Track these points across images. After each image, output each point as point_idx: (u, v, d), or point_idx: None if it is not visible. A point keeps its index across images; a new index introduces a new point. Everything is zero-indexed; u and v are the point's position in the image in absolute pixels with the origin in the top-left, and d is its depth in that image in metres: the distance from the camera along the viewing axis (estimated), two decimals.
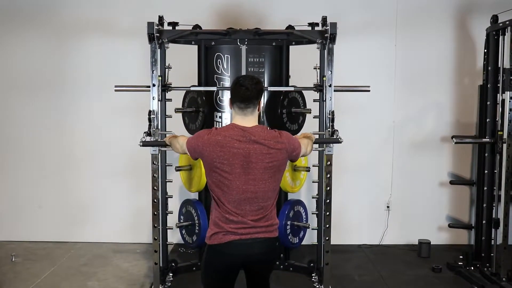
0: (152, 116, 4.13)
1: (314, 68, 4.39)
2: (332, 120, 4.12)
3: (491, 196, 4.81)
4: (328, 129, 4.13)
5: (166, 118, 4.46)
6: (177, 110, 4.69)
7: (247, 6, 5.55)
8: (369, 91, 4.36)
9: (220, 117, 4.66)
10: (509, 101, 4.45)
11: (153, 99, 4.20)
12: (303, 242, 4.94)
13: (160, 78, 4.23)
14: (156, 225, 4.28)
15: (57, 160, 5.74)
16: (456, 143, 4.97)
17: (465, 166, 5.70)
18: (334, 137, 4.02)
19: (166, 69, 4.42)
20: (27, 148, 5.73)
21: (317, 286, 4.44)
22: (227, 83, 4.55)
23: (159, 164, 4.24)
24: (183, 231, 4.78)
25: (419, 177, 5.72)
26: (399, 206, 5.74)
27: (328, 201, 4.24)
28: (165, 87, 4.36)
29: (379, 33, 5.59)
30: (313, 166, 4.56)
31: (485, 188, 4.86)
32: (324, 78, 4.22)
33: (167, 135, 4.28)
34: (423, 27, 5.60)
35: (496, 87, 4.68)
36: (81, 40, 5.61)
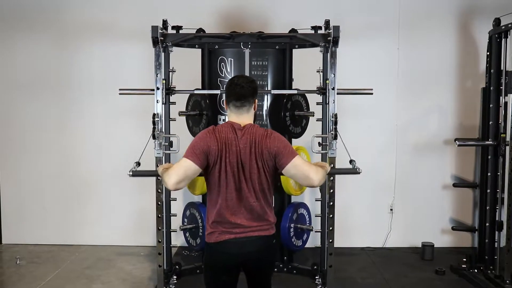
0: (156, 119, 4.15)
1: (317, 71, 4.40)
2: (335, 123, 4.13)
3: (495, 198, 4.81)
4: (331, 132, 4.14)
5: (170, 121, 4.47)
6: (181, 113, 4.71)
7: (251, 9, 5.57)
8: (372, 93, 4.37)
9: (224, 120, 4.68)
10: None
11: (157, 102, 4.22)
12: (307, 245, 4.96)
13: (164, 81, 4.25)
14: (160, 228, 4.29)
15: (60, 163, 5.76)
16: (459, 145, 4.97)
17: (468, 168, 5.71)
18: (352, 167, 3.90)
19: (170, 73, 4.44)
20: (30, 150, 5.75)
21: None
22: None
23: None
24: (187, 234, 4.80)
25: (422, 180, 5.72)
26: (403, 209, 5.74)
27: (331, 203, 4.25)
28: (169, 90, 4.38)
29: (382, 36, 5.61)
30: None
31: (488, 191, 4.85)
32: (327, 81, 4.24)
33: (171, 138, 4.32)
34: (426, 30, 5.61)
35: (499, 89, 4.68)
36: (85, 43, 5.64)
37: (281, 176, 4.38)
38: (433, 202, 5.74)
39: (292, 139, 4.79)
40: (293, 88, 4.73)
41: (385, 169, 5.72)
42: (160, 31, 4.20)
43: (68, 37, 5.64)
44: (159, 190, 4.26)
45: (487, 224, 4.88)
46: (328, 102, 4.22)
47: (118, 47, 5.62)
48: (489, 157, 4.85)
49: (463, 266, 4.90)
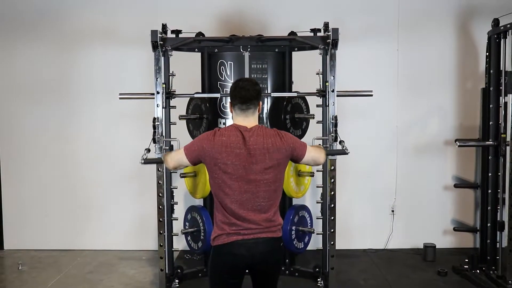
0: (156, 123, 4.17)
1: (316, 74, 4.41)
2: (336, 125, 4.14)
3: (496, 198, 4.81)
4: (332, 134, 4.15)
5: (171, 125, 4.49)
6: (181, 117, 4.72)
7: (250, 13, 5.58)
8: (371, 95, 4.38)
9: (224, 123, 4.69)
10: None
11: (158, 106, 4.23)
12: (308, 247, 4.94)
13: (164, 85, 4.27)
14: (161, 232, 4.30)
15: (62, 168, 5.76)
16: (459, 146, 4.97)
17: (469, 169, 5.71)
18: (341, 148, 4.04)
19: (170, 77, 4.46)
20: (32, 155, 5.76)
21: None
22: None
23: (164, 170, 4.27)
24: (189, 238, 4.80)
25: (423, 181, 5.72)
26: (404, 210, 5.74)
27: (332, 205, 4.26)
28: (169, 94, 4.39)
29: (381, 38, 5.61)
30: (317, 171, 4.57)
31: (489, 191, 4.85)
32: (327, 83, 4.25)
33: (171, 142, 4.34)
34: (425, 31, 5.62)
35: (499, 90, 4.68)
36: (85, 48, 5.66)
37: None
38: (434, 203, 5.74)
39: None
40: (293, 90, 4.75)
41: (386, 171, 5.72)
42: (160, 35, 4.22)
43: (69, 43, 5.66)
44: (160, 194, 4.27)
45: (489, 225, 4.87)
46: (328, 104, 4.24)
47: (119, 52, 5.63)
48: (489, 157, 4.85)
49: (465, 266, 4.89)
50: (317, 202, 4.66)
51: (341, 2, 5.59)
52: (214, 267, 2.85)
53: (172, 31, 4.49)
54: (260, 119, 4.72)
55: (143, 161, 3.87)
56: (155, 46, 4.20)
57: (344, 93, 4.37)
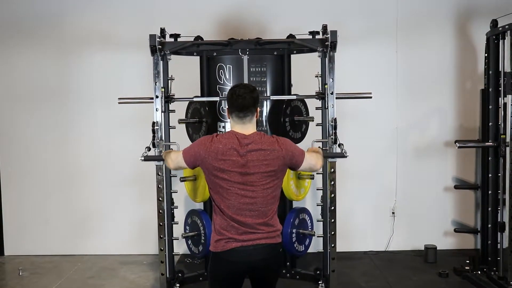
0: (155, 127, 4.16)
1: (315, 76, 4.41)
2: (335, 128, 4.14)
3: (496, 199, 4.80)
4: (331, 136, 4.15)
5: (170, 129, 4.49)
6: (180, 121, 4.73)
7: (248, 16, 5.59)
8: (371, 97, 4.38)
9: (224, 127, 4.69)
10: (511, 105, 4.45)
11: (157, 110, 4.23)
12: (309, 250, 4.94)
13: (163, 89, 4.27)
14: (162, 236, 4.30)
15: (62, 173, 5.76)
16: (459, 147, 4.98)
17: (469, 170, 5.70)
18: (340, 151, 4.04)
19: (169, 81, 4.46)
20: (31, 161, 5.77)
21: None
22: None
23: (164, 175, 4.27)
24: (189, 242, 4.79)
25: (424, 183, 5.72)
26: (404, 212, 5.74)
27: (332, 208, 4.25)
28: (168, 99, 4.40)
29: (380, 40, 5.62)
30: (317, 173, 4.57)
31: (490, 192, 4.85)
32: (326, 86, 4.25)
33: (171, 146, 4.34)
34: (424, 33, 5.62)
35: (498, 91, 4.68)
36: (83, 53, 5.66)
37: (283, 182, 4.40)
38: (435, 204, 5.73)
39: None
40: (292, 93, 4.74)
41: (386, 173, 5.72)
42: (158, 39, 4.22)
43: (68, 48, 5.66)
44: (160, 199, 4.27)
45: (490, 226, 4.87)
46: (327, 106, 4.23)
47: (118, 56, 5.64)
48: (489, 158, 4.84)
49: (466, 268, 4.89)
50: (317, 205, 4.66)
51: (340, 5, 5.60)
52: (214, 273, 2.85)
53: (171, 35, 4.49)
54: (260, 122, 4.72)
55: (143, 158, 3.93)
56: (153, 50, 4.20)
57: (344, 96, 4.37)
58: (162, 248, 4.31)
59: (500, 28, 4.58)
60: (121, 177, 5.71)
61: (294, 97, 4.57)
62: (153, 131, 4.16)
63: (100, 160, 5.74)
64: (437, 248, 5.39)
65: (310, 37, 4.48)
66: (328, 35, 4.17)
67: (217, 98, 4.60)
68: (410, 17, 5.61)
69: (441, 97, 5.67)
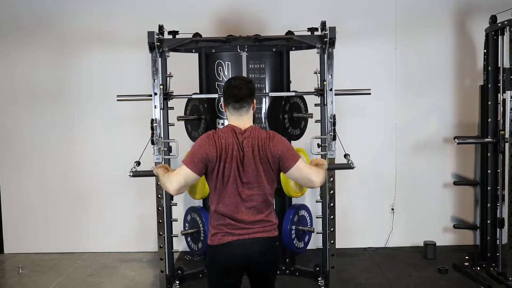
0: (154, 124, 4.15)
1: (314, 73, 4.40)
2: (334, 124, 4.13)
3: (495, 195, 4.81)
4: (330, 133, 4.14)
5: (169, 126, 4.48)
6: (179, 118, 4.72)
7: (247, 13, 5.58)
8: (370, 94, 4.37)
9: (223, 124, 4.69)
10: (510, 101, 4.45)
11: (155, 107, 4.22)
12: (308, 247, 4.95)
13: (161, 86, 4.26)
14: (161, 233, 4.30)
15: (61, 171, 5.76)
16: (458, 143, 4.97)
17: (468, 166, 5.70)
18: (346, 161, 3.97)
19: (168, 78, 4.45)
20: (31, 159, 5.76)
21: None
22: None
23: None
24: (189, 239, 4.80)
25: (423, 179, 5.72)
26: (404, 208, 5.74)
27: (332, 204, 4.25)
28: (166, 96, 4.39)
29: (379, 36, 5.61)
30: None
31: (489, 188, 4.85)
32: (325, 82, 4.24)
33: (170, 143, 4.33)
34: (423, 29, 5.62)
35: (497, 87, 4.69)
36: (82, 51, 5.65)
37: (281, 178, 4.41)
38: (434, 200, 5.73)
39: (291, 141, 4.79)
40: (291, 90, 4.74)
41: (385, 169, 5.72)
42: (157, 36, 4.21)
43: (66, 46, 5.65)
44: (159, 196, 4.26)
45: (489, 222, 4.88)
46: (326, 103, 4.23)
47: (116, 54, 5.63)
48: (488, 154, 4.85)
49: (465, 264, 4.90)
50: (317, 201, 4.66)
51: (339, 1, 5.59)
52: (211, 267, 2.86)
53: (169, 32, 4.48)
54: (258, 119, 4.72)
55: (131, 174, 3.82)
56: (152, 47, 4.19)
57: (342, 92, 4.36)
58: (161, 245, 4.31)
59: (499, 24, 4.59)
60: (121, 174, 5.67)
61: (293, 93, 4.57)
62: (152, 128, 4.15)
63: (99, 157, 5.73)
64: (437, 244, 5.39)
65: (309, 33, 4.47)
66: (327, 32, 4.16)
67: (216, 95, 4.60)
68: (409, 14, 5.60)
69: (440, 93, 5.67)
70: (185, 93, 4.58)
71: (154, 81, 4.23)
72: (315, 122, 4.54)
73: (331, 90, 4.21)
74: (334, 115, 4.15)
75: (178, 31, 4.49)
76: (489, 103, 4.78)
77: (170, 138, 4.42)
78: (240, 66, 4.56)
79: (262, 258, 2.81)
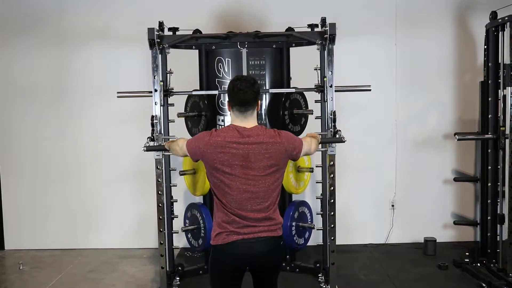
0: (154, 121, 4.15)
1: (314, 69, 4.40)
2: (334, 120, 4.13)
3: (495, 192, 4.81)
4: (330, 129, 4.14)
5: (169, 123, 4.48)
6: (179, 115, 4.72)
7: (247, 9, 5.57)
8: (370, 90, 4.37)
9: (223, 120, 4.68)
10: (510, 97, 4.45)
11: (155, 104, 4.22)
12: (309, 243, 4.96)
13: (161, 83, 4.25)
14: (161, 230, 4.29)
15: (61, 168, 5.76)
16: (458, 140, 4.97)
17: (468, 162, 5.70)
18: (337, 136, 4.03)
19: (168, 74, 4.45)
20: (31, 156, 5.76)
21: (324, 287, 4.43)
22: None
23: (163, 168, 4.26)
24: (189, 235, 4.80)
25: (423, 175, 5.72)
26: (404, 205, 5.74)
27: (332, 201, 4.25)
28: (167, 92, 4.38)
29: (379, 33, 5.60)
30: (317, 166, 4.57)
31: (489, 184, 4.85)
32: (325, 79, 4.24)
33: (170, 139, 4.33)
34: (423, 25, 5.61)
35: (497, 83, 4.68)
36: (82, 48, 5.65)
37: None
38: (434, 197, 5.73)
39: None
40: (291, 86, 4.74)
41: (385, 165, 5.72)
42: (157, 33, 4.20)
43: (67, 42, 5.65)
44: (159, 192, 4.26)
45: (489, 218, 4.87)
46: (327, 99, 4.22)
47: (116, 50, 5.63)
48: (489, 150, 4.85)
49: (465, 260, 4.89)
50: (317, 198, 4.66)
51: None
52: (215, 266, 2.85)
53: (169, 29, 4.47)
54: (259, 115, 4.70)
55: (145, 149, 3.94)
56: (152, 44, 4.19)
57: (343, 88, 4.36)
58: (161, 242, 4.30)
59: (500, 20, 4.57)
60: (121, 171, 5.71)
61: (293, 90, 4.56)
62: (152, 125, 4.14)
63: (100, 154, 5.73)
64: (437, 241, 5.39)
65: (309, 30, 4.46)
66: (327, 28, 4.15)
67: (216, 92, 4.59)
68: (409, 9, 5.59)
69: (441, 89, 5.66)
70: (185, 89, 4.58)
71: (154, 78, 4.22)
72: (315, 118, 4.54)
73: (331, 86, 4.20)
74: (334, 111, 4.15)
75: (178, 28, 4.48)
76: (489, 99, 4.77)
77: (170, 135, 4.42)
78: (240, 62, 4.55)
79: (266, 258, 2.81)
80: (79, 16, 5.62)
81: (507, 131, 4.50)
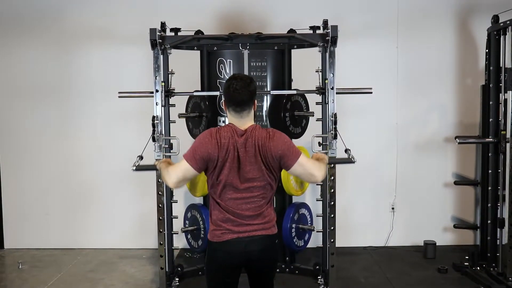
0: (155, 121, 4.16)
1: (316, 71, 4.41)
2: (335, 123, 4.14)
3: (496, 195, 4.81)
4: (331, 132, 4.15)
5: (170, 124, 4.48)
6: (180, 115, 4.72)
7: (249, 11, 5.57)
8: (371, 93, 4.37)
9: (224, 121, 4.69)
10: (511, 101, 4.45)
11: (157, 104, 4.23)
12: (308, 245, 4.96)
13: (163, 83, 4.26)
14: (161, 230, 4.30)
15: (62, 167, 5.76)
16: (459, 143, 4.97)
17: (469, 166, 5.70)
18: (347, 156, 4.00)
19: (169, 75, 4.46)
20: (32, 155, 5.76)
21: None
22: None
23: None
24: (189, 236, 4.80)
25: (424, 178, 5.72)
26: (404, 208, 5.74)
27: (332, 203, 4.25)
28: (168, 93, 4.39)
29: (381, 35, 5.60)
30: None
31: (490, 188, 4.85)
32: (326, 81, 4.24)
33: (171, 140, 4.33)
34: (424, 28, 5.61)
35: (498, 86, 4.68)
36: (84, 47, 5.65)
37: (282, 177, 4.41)
38: (434, 200, 5.73)
39: (292, 140, 4.79)
40: (292, 88, 4.74)
41: (386, 168, 5.71)
42: (159, 33, 4.21)
43: (68, 42, 5.65)
44: (160, 193, 4.27)
45: (489, 222, 4.87)
46: (328, 102, 4.23)
47: (118, 50, 5.63)
48: (489, 154, 4.85)
49: (465, 264, 4.89)
50: (317, 200, 4.66)
51: (341, 0, 5.58)
52: (210, 264, 2.87)
53: (171, 29, 4.49)
54: (259, 117, 4.72)
55: (134, 168, 3.85)
56: (154, 44, 4.19)
57: (344, 91, 4.36)
58: (161, 242, 4.31)
59: (502, 24, 4.58)
60: (121, 171, 5.68)
61: (295, 92, 4.57)
62: (153, 125, 4.15)
63: (100, 154, 5.73)
64: (437, 244, 5.39)
65: (311, 31, 4.47)
66: (329, 30, 4.16)
67: (217, 93, 4.60)
68: (410, 12, 5.59)
69: (442, 92, 5.66)
70: (186, 90, 4.58)
71: (155, 78, 4.23)
72: (316, 120, 4.54)
73: (332, 88, 4.21)
74: (335, 113, 4.16)
75: (180, 28, 4.49)
76: (490, 103, 4.77)
77: (171, 135, 4.42)
78: (242, 64, 4.56)
79: (261, 256, 2.81)
80: (80, 16, 5.63)
81: (508, 135, 4.50)
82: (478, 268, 4.83)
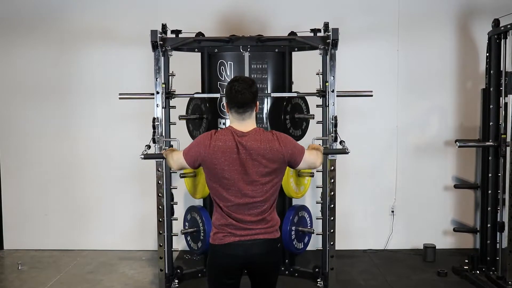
0: (156, 123, 4.17)
1: (316, 74, 4.41)
2: (335, 125, 4.14)
3: (496, 199, 4.80)
4: (332, 134, 4.15)
5: (170, 125, 4.49)
6: (181, 117, 4.72)
7: (250, 13, 5.58)
8: (371, 95, 4.38)
9: (224, 123, 4.69)
10: None
11: (157, 106, 4.23)
12: (308, 248, 4.95)
13: (163, 85, 4.27)
14: (161, 232, 4.30)
15: (62, 168, 5.76)
16: (459, 146, 4.97)
17: (469, 169, 5.70)
18: (341, 147, 4.03)
19: (170, 77, 4.46)
20: (32, 156, 5.76)
21: None
22: None
23: (164, 171, 4.27)
24: (188, 238, 4.80)
25: (424, 182, 5.72)
26: (404, 211, 5.74)
27: (332, 206, 4.26)
28: (169, 95, 4.40)
29: (381, 38, 5.61)
30: (317, 171, 4.57)
31: (490, 192, 4.85)
32: (327, 84, 4.25)
33: (171, 142, 4.34)
34: (425, 31, 5.61)
35: (499, 90, 4.68)
36: (84, 48, 5.65)
37: (282, 180, 4.40)
38: (434, 203, 5.73)
39: None
40: (293, 91, 4.74)
41: (386, 171, 5.71)
42: (160, 35, 4.22)
43: (69, 43, 5.66)
44: (159, 194, 4.27)
45: (489, 225, 4.87)
46: (328, 104, 4.24)
47: (118, 52, 5.63)
48: (489, 158, 4.84)
49: (465, 267, 4.89)
50: (317, 203, 4.66)
51: (341, 2, 5.59)
52: (211, 266, 2.86)
53: (172, 31, 4.49)
54: (260, 119, 4.72)
55: (143, 156, 3.89)
56: (155, 46, 4.20)
57: (344, 94, 4.37)
58: (161, 244, 4.31)
59: (502, 28, 4.58)
60: (121, 173, 5.71)
61: (295, 94, 4.57)
62: (154, 127, 4.16)
63: (100, 155, 5.73)
64: (436, 247, 5.39)
65: (312, 34, 4.47)
66: (330, 33, 4.17)
67: (217, 95, 4.60)
68: (411, 16, 5.60)
69: (442, 96, 5.67)
70: (187, 92, 4.59)
71: (156, 80, 4.24)
72: (317, 123, 4.54)
73: (333, 91, 4.22)
74: (336, 116, 4.16)
75: (181, 30, 4.50)
76: (490, 106, 4.77)
77: (171, 137, 4.42)
78: (243, 66, 4.56)
79: (263, 260, 2.81)
80: (81, 16, 5.64)
81: (508, 139, 4.50)
82: (478, 271, 4.82)
